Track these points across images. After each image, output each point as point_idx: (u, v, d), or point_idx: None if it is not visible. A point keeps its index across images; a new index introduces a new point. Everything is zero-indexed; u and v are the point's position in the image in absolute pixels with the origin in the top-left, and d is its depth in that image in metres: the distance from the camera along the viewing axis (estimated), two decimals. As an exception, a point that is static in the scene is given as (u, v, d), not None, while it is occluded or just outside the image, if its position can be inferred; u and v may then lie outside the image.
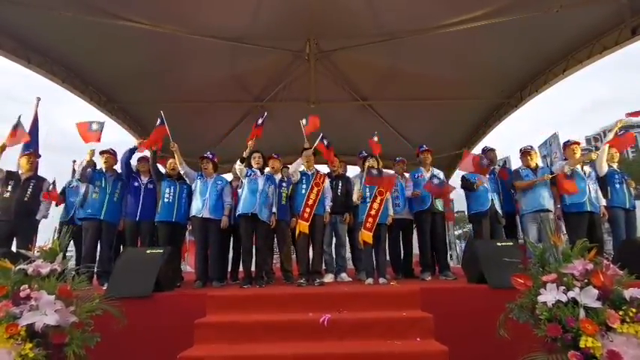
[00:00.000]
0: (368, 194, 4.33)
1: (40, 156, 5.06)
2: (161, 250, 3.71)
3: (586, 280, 2.19)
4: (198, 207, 4.43)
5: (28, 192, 4.55)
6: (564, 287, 2.20)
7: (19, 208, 4.43)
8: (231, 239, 5.00)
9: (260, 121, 4.64)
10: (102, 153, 4.80)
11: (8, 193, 4.49)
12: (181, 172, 4.61)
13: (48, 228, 4.46)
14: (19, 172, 4.73)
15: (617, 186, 4.61)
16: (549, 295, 2.20)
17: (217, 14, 5.80)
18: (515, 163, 5.42)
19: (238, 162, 4.37)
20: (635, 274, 2.24)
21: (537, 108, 8.01)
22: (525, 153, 4.79)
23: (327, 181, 4.65)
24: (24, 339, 2.00)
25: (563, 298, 2.15)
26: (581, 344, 2.00)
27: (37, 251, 2.51)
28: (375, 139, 5.05)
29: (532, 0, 5.34)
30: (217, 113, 8.48)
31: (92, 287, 2.63)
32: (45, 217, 4.69)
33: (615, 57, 6.13)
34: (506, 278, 2.95)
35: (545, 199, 4.45)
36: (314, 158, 4.69)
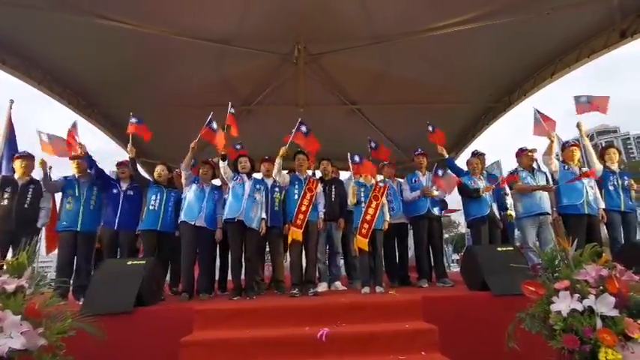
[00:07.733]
0: (362, 197, 4.17)
1: (33, 158, 4.53)
2: (143, 262, 3.47)
3: (601, 287, 2.08)
4: (193, 213, 4.18)
5: (28, 198, 4.22)
6: (579, 295, 2.07)
7: (19, 216, 4.11)
8: (218, 247, 4.73)
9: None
10: (72, 158, 4.49)
11: (6, 201, 4.11)
12: (184, 174, 4.37)
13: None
14: (15, 176, 4.35)
15: (611, 188, 4.55)
16: (563, 304, 2.08)
17: (203, 15, 5.60)
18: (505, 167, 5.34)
19: (220, 160, 4.19)
20: None
21: (514, 113, 8.06)
22: (524, 153, 4.70)
23: (320, 186, 4.47)
24: (-14, 364, 1.77)
25: (579, 307, 2.03)
26: (601, 356, 1.89)
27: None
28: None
29: (522, 3, 5.31)
30: (203, 118, 8.20)
31: (67, 303, 2.40)
32: (44, 224, 4.37)
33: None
34: (509, 284, 2.85)
35: (545, 202, 4.37)
36: (307, 162, 4.50)
